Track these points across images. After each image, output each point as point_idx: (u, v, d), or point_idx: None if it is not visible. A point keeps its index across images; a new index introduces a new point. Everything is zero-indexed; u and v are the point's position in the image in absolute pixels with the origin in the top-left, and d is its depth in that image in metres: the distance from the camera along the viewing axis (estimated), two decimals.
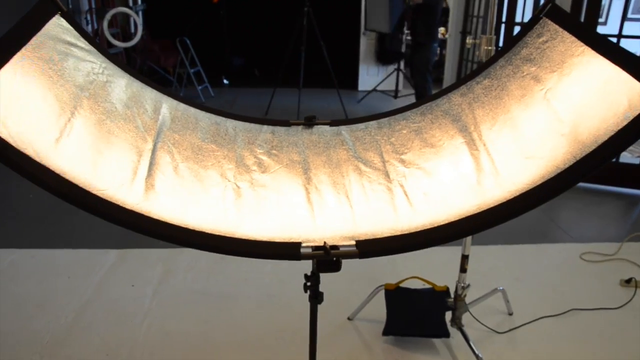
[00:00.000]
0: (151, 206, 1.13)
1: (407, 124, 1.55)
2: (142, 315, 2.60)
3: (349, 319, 2.55)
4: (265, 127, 1.57)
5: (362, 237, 1.20)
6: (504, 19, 5.21)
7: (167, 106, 1.45)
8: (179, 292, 2.78)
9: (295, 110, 5.98)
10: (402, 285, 2.45)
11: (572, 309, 2.63)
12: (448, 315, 2.36)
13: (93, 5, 7.43)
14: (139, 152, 1.25)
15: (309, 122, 1.59)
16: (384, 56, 7.87)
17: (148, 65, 7.56)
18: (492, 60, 1.55)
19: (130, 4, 7.21)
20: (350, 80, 8.03)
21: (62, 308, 2.67)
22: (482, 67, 1.57)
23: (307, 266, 1.34)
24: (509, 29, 5.22)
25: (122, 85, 1.37)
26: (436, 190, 1.29)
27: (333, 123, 1.61)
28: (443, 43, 8.51)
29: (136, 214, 1.09)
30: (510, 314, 2.61)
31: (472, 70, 1.52)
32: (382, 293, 2.47)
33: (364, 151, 1.49)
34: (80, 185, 1.05)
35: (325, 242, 1.14)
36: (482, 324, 2.49)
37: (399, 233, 1.20)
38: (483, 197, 1.21)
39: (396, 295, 2.42)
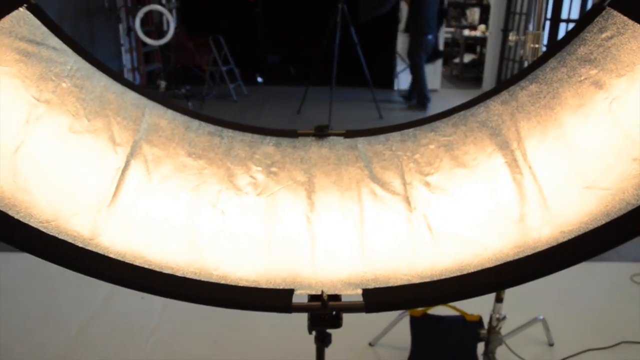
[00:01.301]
0: (109, 242, 0.92)
1: (435, 137, 1.29)
2: (148, 332, 2.42)
3: (370, 344, 2.32)
4: (268, 138, 1.34)
5: (372, 284, 0.96)
6: (548, 16, 4.82)
7: (151, 114, 1.24)
8: (188, 308, 2.60)
9: (327, 109, 5.74)
10: (430, 312, 2.19)
11: (622, 342, 2.32)
12: (480, 347, 2.09)
13: (129, 4, 7.39)
14: (105, 172, 1.04)
15: (320, 133, 1.36)
16: None
17: (181, 63, 7.48)
18: (540, 61, 1.28)
19: (164, 1, 7.14)
20: (386, 79, 7.76)
21: (68, 320, 2.52)
22: (528, 69, 1.29)
23: None
24: (554, 27, 4.84)
25: (96, 90, 1.17)
26: (467, 224, 1.04)
27: (348, 134, 1.37)
28: (482, 41, 8.11)
29: (87, 252, 0.88)
30: (551, 345, 2.32)
31: (515, 73, 1.24)
32: (407, 318, 2.22)
33: (382, 170, 1.24)
34: (16, 215, 0.85)
35: (322, 292, 0.91)
36: (519, 356, 2.21)
37: (417, 280, 0.95)
38: (527, 238, 0.95)
39: (423, 323, 2.16)
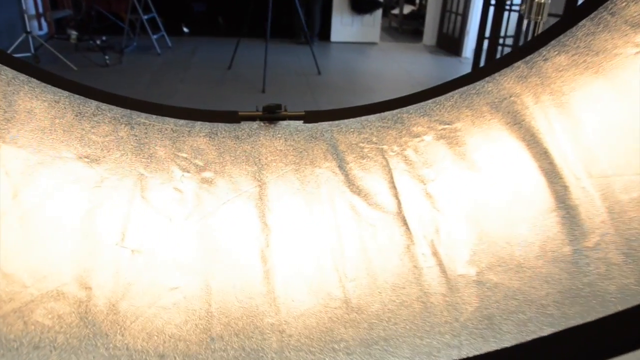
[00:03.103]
0: None
1: (430, 123, 0.95)
2: None
3: None
4: (198, 125, 0.95)
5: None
6: None
7: (17, 93, 0.81)
8: None
9: (261, 65, 5.27)
10: None
11: None
12: None
13: None
14: None
15: (271, 115, 0.98)
16: (358, 5, 7.13)
17: (96, 10, 6.66)
18: (567, 23, 0.96)
19: None
20: (322, 31, 7.31)
21: None
22: (551, 33, 0.97)
23: None
24: None
25: None
26: (497, 266, 0.72)
27: (309, 117, 1.00)
28: None
29: None
30: None
31: (533, 37, 0.91)
32: None
33: (362, 173, 0.89)
34: None
35: None
36: None
37: (438, 359, 0.63)
38: (591, 289, 0.65)
39: None
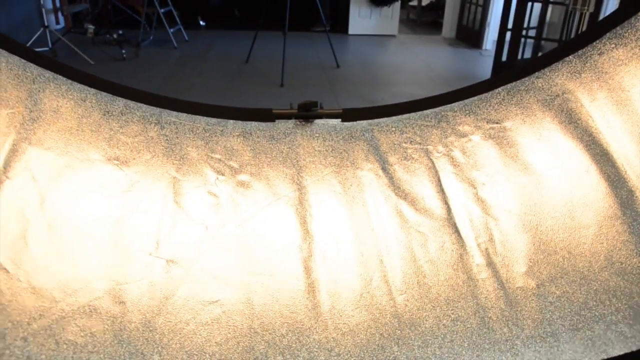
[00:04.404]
0: None
1: (477, 122, 0.89)
2: None
3: None
4: (231, 124, 0.90)
5: None
6: None
7: (44, 92, 0.77)
8: None
9: (279, 58, 5.22)
10: None
11: None
12: None
13: None
14: None
15: (307, 114, 0.93)
16: None
17: (112, 3, 6.65)
18: (624, 14, 0.89)
19: None
20: (340, 23, 7.23)
21: None
22: (605, 25, 0.90)
23: None
24: None
25: None
26: (559, 276, 0.66)
27: (347, 115, 0.95)
28: None
29: None
30: None
31: (586, 29, 0.84)
32: None
33: (407, 175, 0.84)
34: None
35: None
36: None
37: None
38: None
39: None
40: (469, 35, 6.46)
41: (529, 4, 4.06)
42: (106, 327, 0.57)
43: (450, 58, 6.06)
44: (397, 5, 7.00)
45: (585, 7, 1.13)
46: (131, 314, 0.59)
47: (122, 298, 0.60)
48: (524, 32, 4.26)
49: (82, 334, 0.55)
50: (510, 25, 4.30)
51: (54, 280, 0.59)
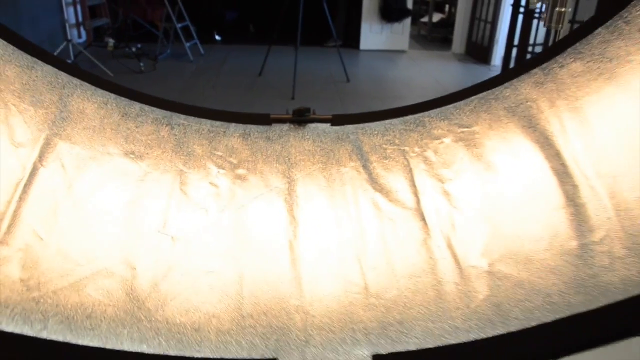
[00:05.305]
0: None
1: (450, 126, 1.00)
2: None
3: None
4: (232, 126, 1.02)
5: (381, 342, 0.68)
6: None
7: (72, 96, 0.90)
8: None
9: (291, 72, 5.38)
10: None
11: None
12: None
13: None
14: (0, 189, 0.71)
15: (300, 118, 1.05)
16: (388, 13, 7.18)
17: (132, 18, 6.87)
18: (583, 31, 1.00)
19: None
20: (352, 39, 7.38)
21: None
22: (567, 41, 1.01)
23: None
24: None
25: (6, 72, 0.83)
26: (506, 256, 0.77)
27: (336, 120, 1.07)
28: (453, 0, 7.82)
29: None
30: None
31: (550, 45, 0.96)
32: None
33: (384, 172, 0.95)
34: None
35: None
36: None
37: (446, 338, 0.68)
38: (595, 280, 0.70)
39: None
40: (478, 51, 6.57)
41: (534, 21, 4.18)
42: (120, 287, 0.69)
43: (459, 73, 6.17)
44: (408, 21, 7.14)
45: (560, 25, 1.24)
46: (140, 277, 0.71)
47: (133, 265, 0.72)
48: (530, 48, 4.36)
49: (100, 291, 0.67)
50: (516, 42, 4.42)
51: (78, 248, 0.71)
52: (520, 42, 4.32)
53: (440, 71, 6.19)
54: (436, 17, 8.62)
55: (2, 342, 0.57)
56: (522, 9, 4.33)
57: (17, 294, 0.62)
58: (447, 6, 8.54)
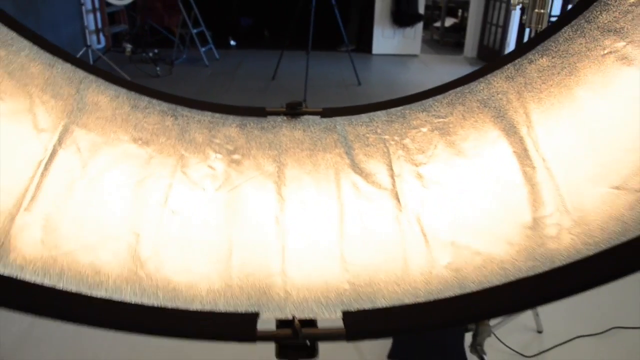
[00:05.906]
0: (24, 259, 0.72)
1: (428, 117, 1.10)
2: None
3: None
4: (231, 118, 1.13)
5: (354, 304, 0.78)
6: None
7: (88, 89, 1.02)
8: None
9: (303, 76, 5.50)
10: None
11: (613, 327, 2.22)
12: (467, 338, 1.95)
13: None
14: (23, 166, 0.83)
15: (292, 111, 1.16)
16: (400, 18, 7.27)
17: (149, 24, 7.07)
18: (552, 30, 1.09)
19: None
20: (364, 43, 7.49)
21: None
22: (537, 39, 1.11)
23: None
24: None
25: (15, 61, 0.95)
26: (468, 229, 0.86)
27: (326, 113, 1.17)
28: (464, 4, 7.88)
29: None
30: (540, 332, 2.20)
31: (523, 43, 1.05)
32: None
33: (365, 158, 1.05)
34: None
35: (294, 317, 0.73)
36: (506, 345, 2.09)
37: (408, 299, 0.78)
38: (543, 249, 0.78)
39: None
40: (490, 55, 6.62)
41: None
42: (125, 250, 0.80)
43: None
44: (420, 26, 7.22)
45: (539, 25, 1.33)
46: (143, 243, 0.82)
47: (137, 232, 0.83)
48: None
49: (108, 253, 0.78)
50: None
51: (91, 217, 0.82)
52: None
53: (452, 74, 6.22)
54: (449, 21, 8.69)
55: (27, 289, 0.68)
56: None
57: (39, 252, 0.74)
58: (460, 11, 8.60)
